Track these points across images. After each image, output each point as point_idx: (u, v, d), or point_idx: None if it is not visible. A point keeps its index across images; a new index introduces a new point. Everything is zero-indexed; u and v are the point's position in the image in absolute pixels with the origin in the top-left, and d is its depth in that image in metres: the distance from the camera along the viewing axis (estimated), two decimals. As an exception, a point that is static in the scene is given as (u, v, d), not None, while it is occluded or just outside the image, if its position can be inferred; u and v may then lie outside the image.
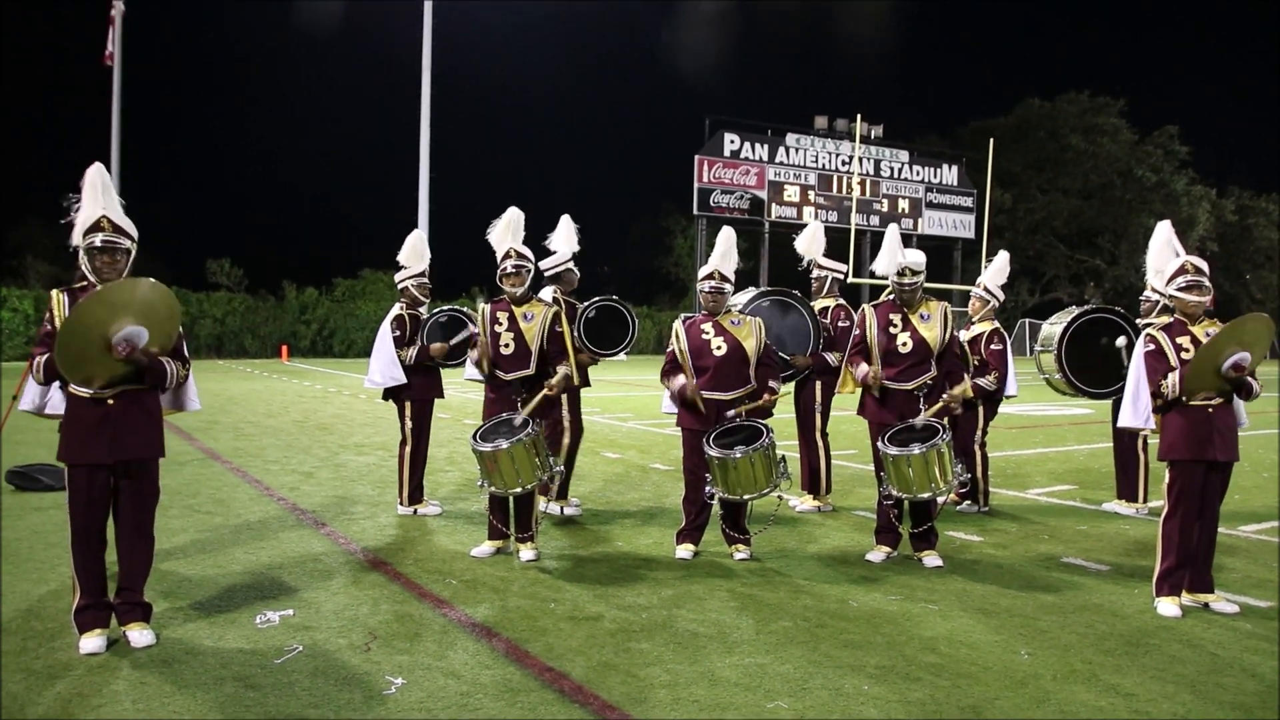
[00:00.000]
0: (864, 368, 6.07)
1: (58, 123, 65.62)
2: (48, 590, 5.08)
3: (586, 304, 7.53)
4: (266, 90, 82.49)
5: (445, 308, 7.54)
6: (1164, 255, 5.59)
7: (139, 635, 4.27)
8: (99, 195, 4.37)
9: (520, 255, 6.09)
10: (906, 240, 6.37)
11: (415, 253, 7.41)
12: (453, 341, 7.19)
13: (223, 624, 4.59)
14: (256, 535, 6.45)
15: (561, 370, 6.02)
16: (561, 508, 7.25)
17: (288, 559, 5.83)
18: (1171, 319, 5.21)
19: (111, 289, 4.15)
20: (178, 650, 4.22)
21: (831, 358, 7.30)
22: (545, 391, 5.97)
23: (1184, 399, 4.94)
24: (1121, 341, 7.37)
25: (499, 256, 6.13)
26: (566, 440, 7.17)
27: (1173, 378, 4.94)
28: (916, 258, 6.06)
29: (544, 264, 7.33)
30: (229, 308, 37.41)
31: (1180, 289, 5.10)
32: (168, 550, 5.92)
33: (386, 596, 5.08)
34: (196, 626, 4.55)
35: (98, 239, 4.26)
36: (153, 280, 4.22)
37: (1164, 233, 5.72)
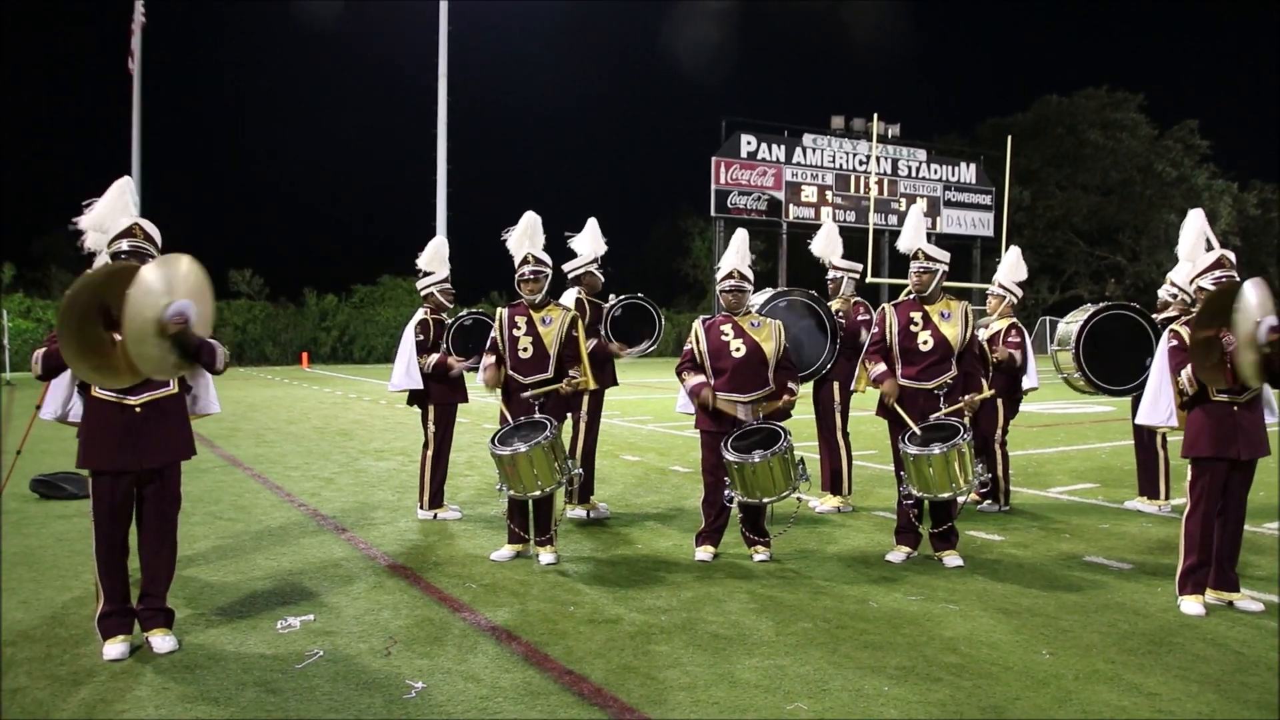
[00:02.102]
0: (880, 367, 6.05)
1: (80, 134, 66.35)
2: (71, 597, 5.12)
3: (613, 303, 7.55)
4: (285, 99, 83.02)
5: (469, 311, 7.57)
6: (1198, 245, 5.44)
7: (162, 641, 4.30)
8: (130, 206, 4.41)
9: (538, 260, 6.10)
10: (925, 239, 6.33)
11: (437, 258, 7.46)
12: (470, 361, 7.22)
13: (244, 629, 4.61)
14: (278, 541, 6.49)
15: (575, 375, 6.03)
16: (588, 511, 7.26)
17: (309, 564, 5.86)
18: (1195, 314, 5.16)
19: (156, 265, 4.01)
20: (200, 656, 4.25)
21: (865, 332, 7.24)
22: (557, 387, 5.98)
23: (1213, 394, 4.88)
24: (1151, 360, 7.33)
25: (516, 262, 6.15)
26: (581, 442, 7.17)
27: (1186, 372, 4.91)
28: (937, 250, 6.06)
29: (566, 266, 7.36)
30: (250, 315, 37.65)
31: (1215, 282, 5.04)
32: (190, 557, 5.96)
33: (407, 601, 5.10)
34: (218, 632, 4.58)
35: (125, 244, 4.31)
36: (188, 257, 4.11)
37: (1197, 221, 5.57)
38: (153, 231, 4.42)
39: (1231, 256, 5.10)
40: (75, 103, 67.07)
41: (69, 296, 3.89)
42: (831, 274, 7.81)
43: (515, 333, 6.09)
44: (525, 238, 6.25)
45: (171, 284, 4.04)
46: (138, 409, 4.23)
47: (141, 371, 4.05)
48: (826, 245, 7.92)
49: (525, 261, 6.10)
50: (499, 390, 6.21)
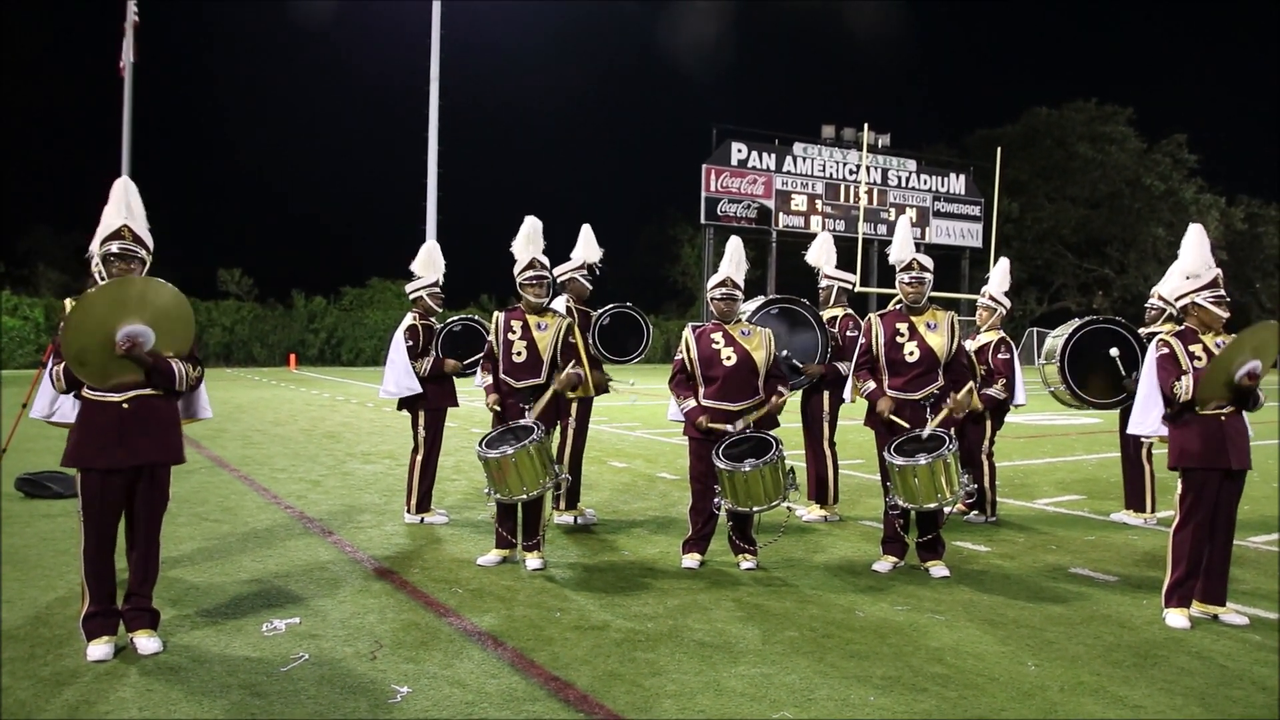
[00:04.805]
0: (870, 385, 6.07)
1: (69, 132, 66.07)
2: (55, 597, 5.09)
3: (601, 311, 7.55)
4: (276, 99, 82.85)
5: (459, 317, 7.55)
6: (1199, 260, 5.43)
7: (146, 642, 4.28)
8: (122, 208, 4.42)
9: (541, 265, 6.14)
10: (915, 249, 6.37)
11: (430, 262, 7.44)
12: (466, 362, 7.24)
13: (230, 631, 4.59)
14: (264, 543, 6.46)
15: (570, 368, 6.02)
16: (575, 517, 7.25)
17: (295, 567, 5.84)
18: (1182, 327, 5.19)
19: (121, 284, 4.15)
20: (185, 657, 4.23)
21: (842, 366, 7.29)
22: (555, 386, 5.98)
23: (1196, 407, 4.92)
24: (1114, 352, 7.37)
25: (520, 266, 6.15)
26: (569, 447, 7.18)
27: (1186, 380, 4.91)
28: (924, 260, 6.09)
29: (555, 270, 7.36)
30: (238, 316, 37.55)
31: (1210, 300, 5.06)
32: (175, 558, 5.94)
33: (393, 605, 5.09)
34: (203, 634, 4.55)
35: (115, 246, 4.31)
36: (163, 281, 4.22)
37: (1199, 235, 5.45)
38: (142, 233, 4.41)
39: (1221, 275, 5.15)
40: (65, 100, 66.80)
41: (79, 326, 4.03)
42: (824, 283, 7.83)
43: (510, 336, 6.09)
44: (529, 243, 6.25)
45: (128, 306, 4.12)
46: (125, 405, 4.22)
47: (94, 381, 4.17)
48: (822, 254, 7.91)
49: (530, 266, 6.11)
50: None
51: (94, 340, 4.07)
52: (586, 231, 7.61)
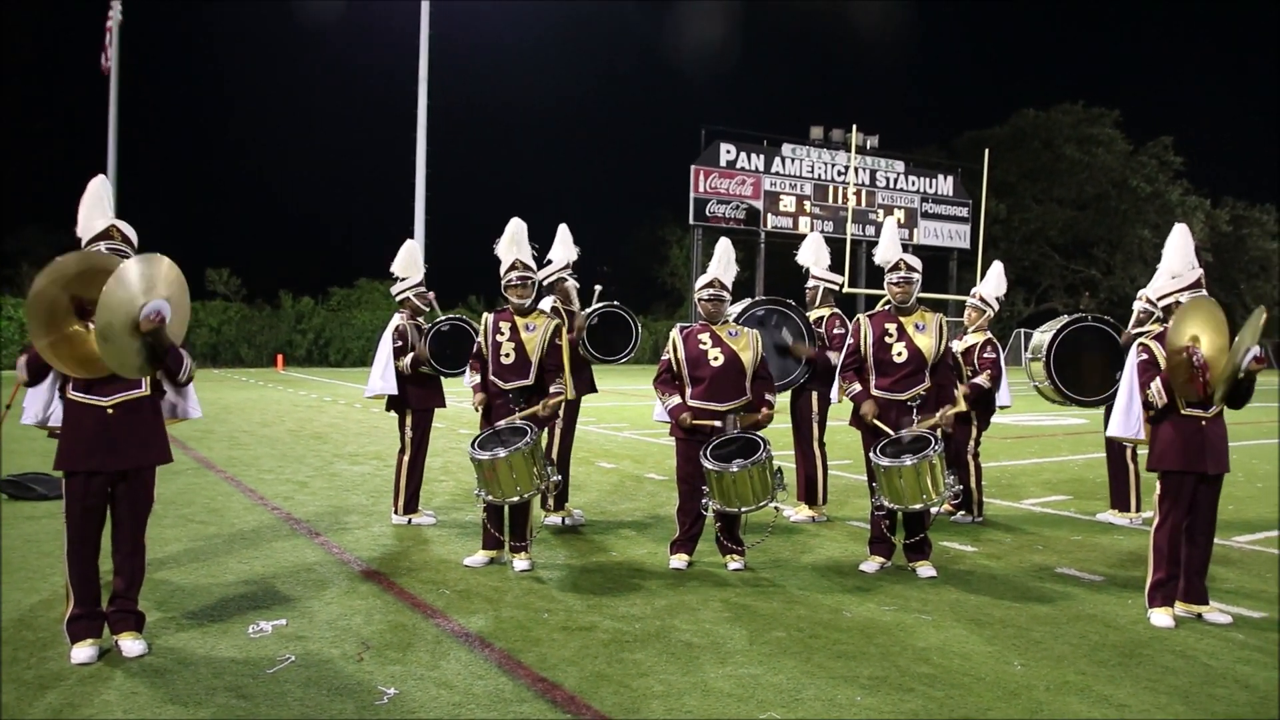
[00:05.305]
0: (855, 386, 6.08)
1: (55, 131, 65.66)
2: (39, 599, 5.06)
3: (588, 311, 7.54)
4: (263, 99, 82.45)
5: (446, 316, 7.54)
6: (1183, 260, 5.46)
7: (131, 644, 4.26)
8: (106, 207, 4.41)
9: (525, 266, 6.14)
10: (902, 250, 6.38)
11: (412, 263, 7.42)
12: (442, 319, 7.21)
13: (215, 634, 4.58)
14: (250, 545, 6.44)
15: (555, 391, 6.03)
16: (563, 518, 7.25)
17: (281, 568, 5.82)
18: (1163, 327, 5.21)
19: (151, 260, 4.09)
20: (170, 660, 4.21)
21: (833, 355, 7.28)
22: (537, 410, 5.97)
23: (1179, 401, 4.93)
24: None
25: (504, 268, 6.15)
26: (556, 448, 7.17)
27: (1156, 385, 4.95)
28: (911, 260, 6.10)
29: (539, 274, 7.34)
30: (225, 316, 37.36)
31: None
32: (161, 559, 5.91)
33: (380, 606, 5.08)
34: (189, 636, 4.54)
35: (103, 246, 4.31)
36: (175, 265, 4.18)
37: (1182, 236, 5.49)
38: (130, 233, 4.43)
39: (1204, 275, 5.18)
40: (52, 100, 66.49)
41: (37, 290, 3.90)
42: (811, 283, 7.83)
43: (499, 338, 6.09)
44: (513, 244, 6.25)
45: (152, 282, 4.07)
46: (109, 410, 4.20)
47: (106, 366, 4.04)
48: (812, 254, 7.89)
49: (513, 268, 6.11)
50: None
51: (120, 316, 3.95)
52: (563, 231, 7.59)
